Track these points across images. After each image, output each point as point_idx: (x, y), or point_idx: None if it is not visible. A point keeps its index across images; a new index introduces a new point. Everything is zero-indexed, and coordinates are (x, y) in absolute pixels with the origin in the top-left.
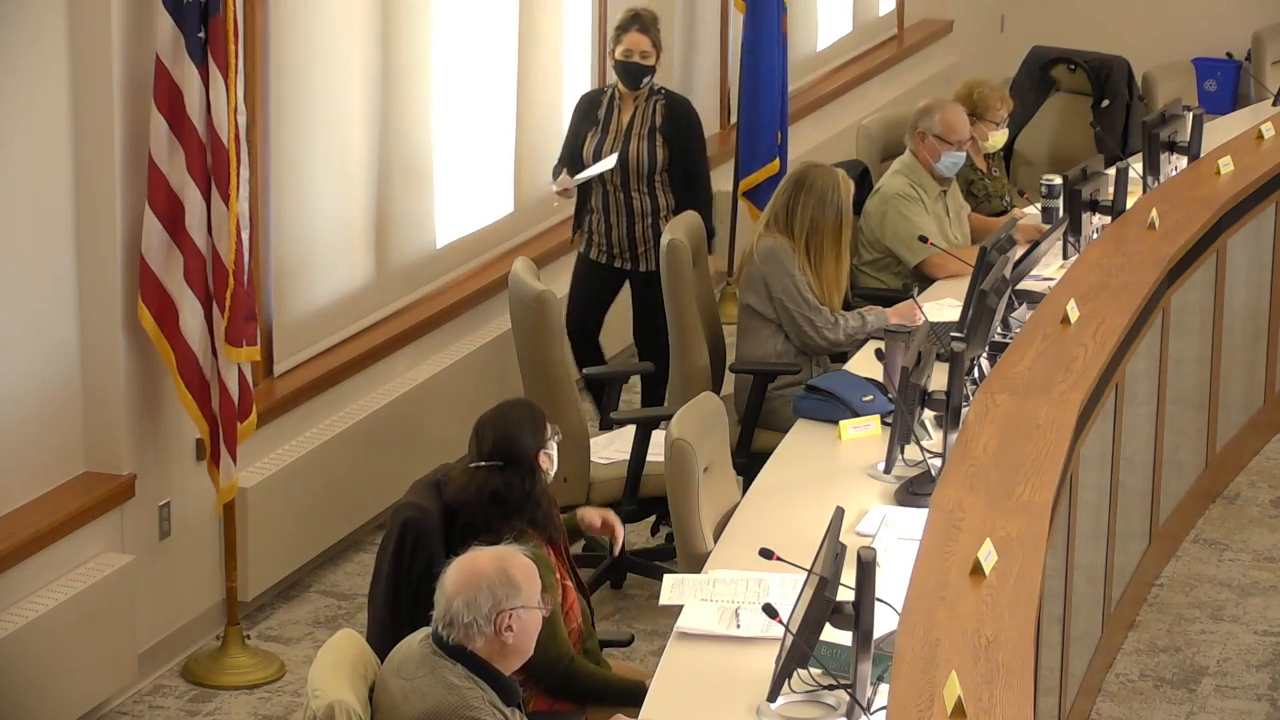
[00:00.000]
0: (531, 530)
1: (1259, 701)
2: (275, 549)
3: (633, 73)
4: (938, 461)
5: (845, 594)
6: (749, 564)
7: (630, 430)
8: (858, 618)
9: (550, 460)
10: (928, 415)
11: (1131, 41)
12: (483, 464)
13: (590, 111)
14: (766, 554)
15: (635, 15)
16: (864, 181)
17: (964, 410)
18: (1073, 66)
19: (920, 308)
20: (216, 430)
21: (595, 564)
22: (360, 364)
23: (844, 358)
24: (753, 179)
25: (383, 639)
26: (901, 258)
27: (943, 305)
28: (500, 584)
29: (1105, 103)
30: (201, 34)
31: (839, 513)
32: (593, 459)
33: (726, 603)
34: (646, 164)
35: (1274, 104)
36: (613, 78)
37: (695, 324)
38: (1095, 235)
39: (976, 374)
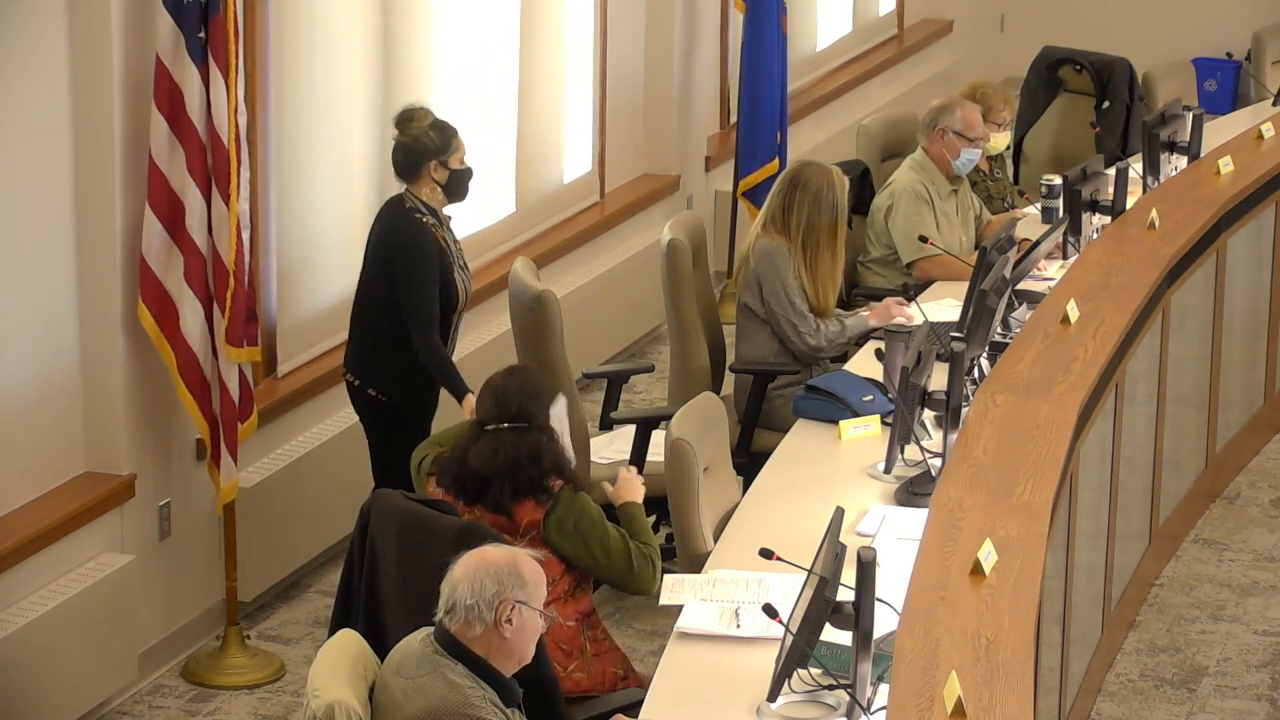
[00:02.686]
0: (567, 483)
1: (1259, 701)
2: (275, 549)
3: (468, 182)
4: (938, 461)
5: (845, 594)
6: (749, 564)
7: (630, 430)
8: (858, 618)
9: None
10: (928, 415)
11: (1131, 41)
12: (505, 426)
13: (436, 246)
14: (766, 554)
15: (442, 121)
16: (864, 181)
17: (964, 410)
18: (1078, 67)
19: (902, 306)
20: (217, 430)
21: None
22: None
23: (844, 357)
24: (752, 179)
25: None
26: (900, 252)
27: (943, 305)
28: (508, 574)
29: (1105, 104)
30: (201, 34)
31: (839, 513)
32: (593, 459)
33: (726, 603)
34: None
35: (1274, 104)
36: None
37: (695, 324)
38: (1095, 235)
39: (976, 374)
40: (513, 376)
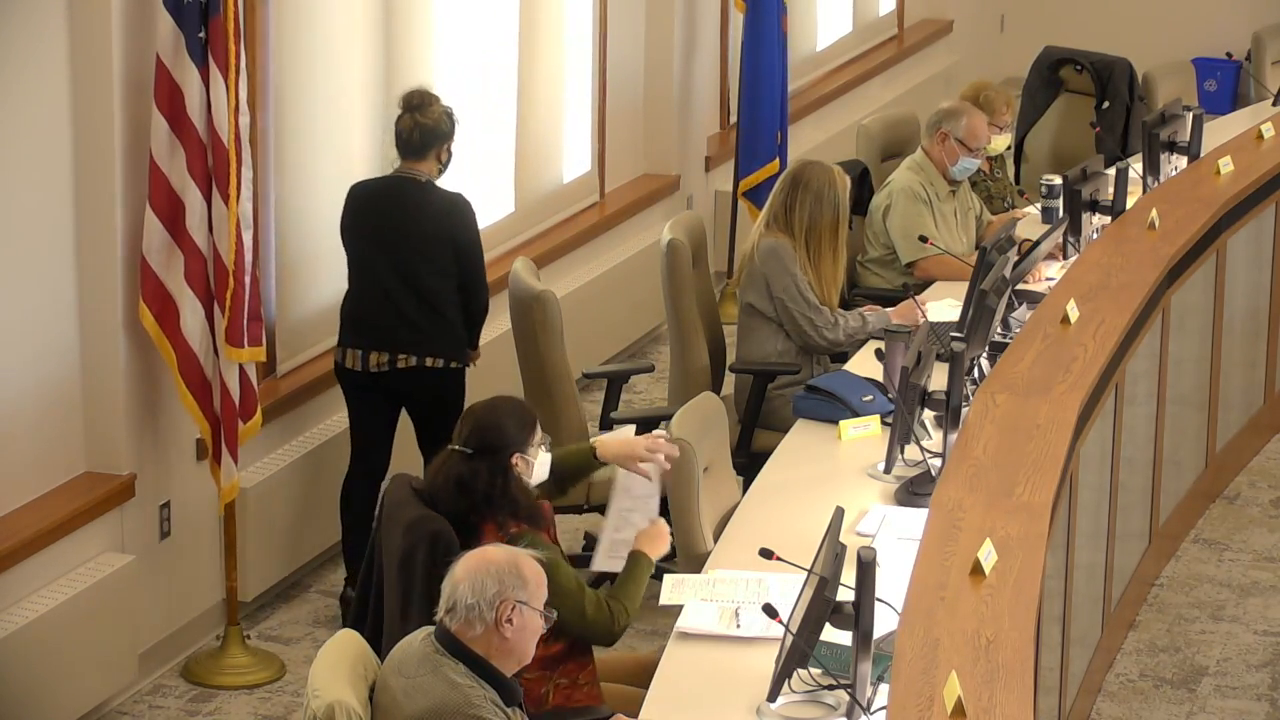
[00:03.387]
0: (514, 523)
1: (1259, 701)
2: (275, 549)
3: None
4: (938, 461)
5: (845, 594)
6: (749, 564)
7: (630, 430)
8: (858, 618)
9: (527, 465)
10: (928, 415)
11: (1131, 41)
12: (455, 447)
13: None
14: (766, 554)
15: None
16: (864, 181)
17: (964, 410)
18: (1079, 67)
19: (921, 308)
20: (218, 430)
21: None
22: None
23: (844, 358)
24: (753, 179)
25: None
26: (898, 252)
27: (943, 305)
28: (509, 574)
29: (1105, 104)
30: (202, 34)
31: (839, 513)
32: None
33: (726, 603)
34: None
35: (1274, 104)
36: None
37: (695, 324)
38: (1095, 235)
39: (976, 374)
40: (485, 404)
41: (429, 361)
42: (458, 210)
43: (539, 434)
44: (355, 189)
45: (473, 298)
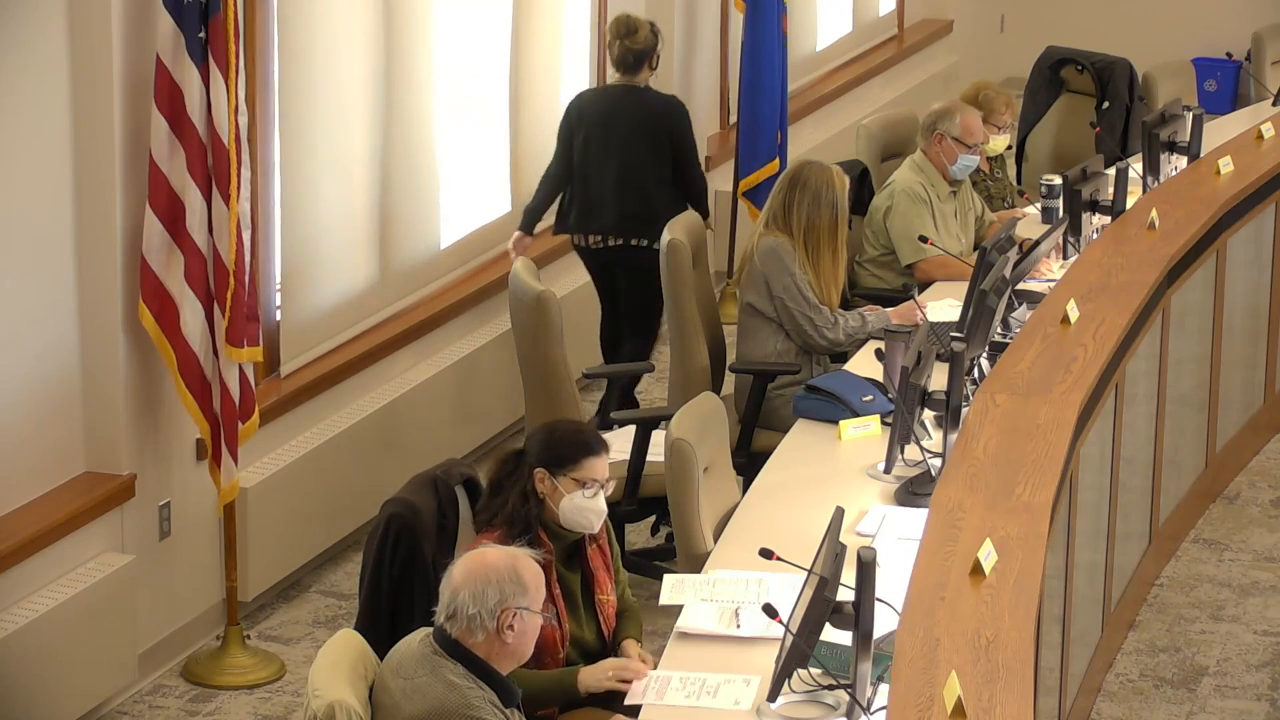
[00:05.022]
0: (506, 534)
1: (1259, 701)
2: (275, 549)
3: None
4: (938, 461)
5: (845, 594)
6: (749, 564)
7: (630, 430)
8: (858, 618)
9: (553, 489)
10: (928, 415)
11: (1131, 41)
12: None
13: None
14: (766, 554)
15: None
16: (864, 181)
17: (964, 410)
18: (1080, 67)
19: (921, 308)
20: (217, 430)
21: None
22: (362, 364)
23: (844, 358)
24: (753, 179)
25: (363, 630)
26: (898, 253)
27: (943, 305)
28: (509, 581)
29: (1105, 104)
30: (202, 34)
31: (839, 513)
32: None
33: (726, 603)
34: None
35: (1274, 104)
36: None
37: (695, 324)
38: (1095, 235)
39: (976, 374)
40: (564, 420)
41: (634, 241)
42: (672, 108)
43: (585, 470)
44: (580, 95)
45: (691, 182)
